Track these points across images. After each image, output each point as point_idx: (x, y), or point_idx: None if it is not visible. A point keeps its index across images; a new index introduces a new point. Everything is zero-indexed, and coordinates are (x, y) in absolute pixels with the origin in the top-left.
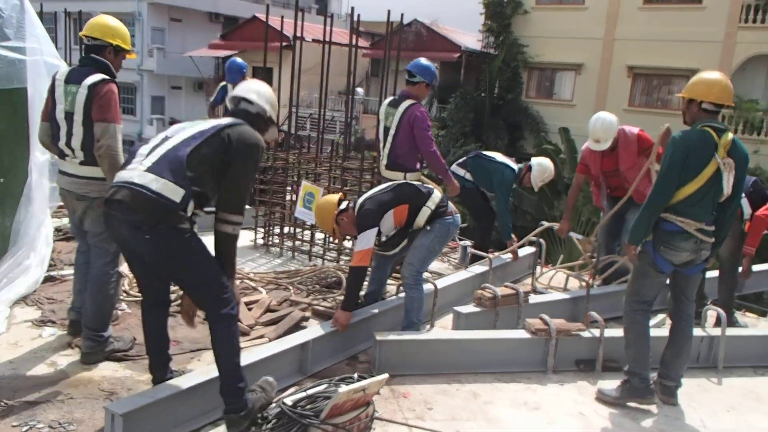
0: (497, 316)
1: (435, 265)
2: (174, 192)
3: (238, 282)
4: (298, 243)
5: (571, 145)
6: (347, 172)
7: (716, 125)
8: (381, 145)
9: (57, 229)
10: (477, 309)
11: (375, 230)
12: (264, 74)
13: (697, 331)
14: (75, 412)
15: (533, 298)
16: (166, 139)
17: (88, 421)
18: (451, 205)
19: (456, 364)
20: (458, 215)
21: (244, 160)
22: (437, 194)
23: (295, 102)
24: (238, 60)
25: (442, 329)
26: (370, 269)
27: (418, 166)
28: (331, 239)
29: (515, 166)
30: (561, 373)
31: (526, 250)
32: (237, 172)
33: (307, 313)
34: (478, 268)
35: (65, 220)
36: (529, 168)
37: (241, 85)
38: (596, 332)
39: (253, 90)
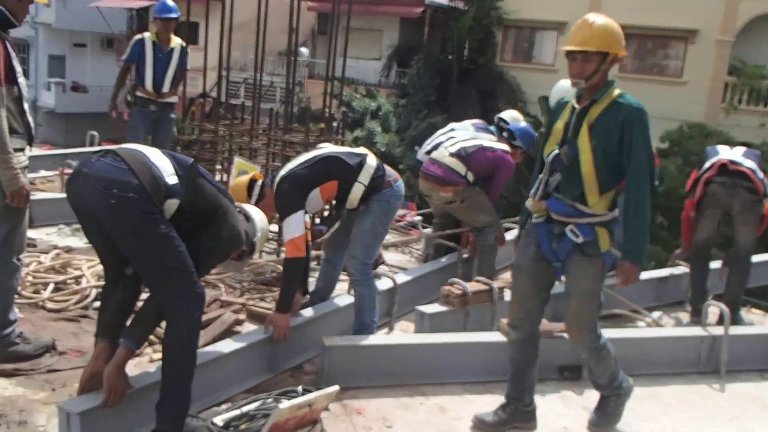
0: (467, 316)
1: (394, 258)
2: (170, 176)
3: None
4: None
5: None
6: (289, 147)
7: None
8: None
9: None
10: (444, 308)
11: (301, 213)
12: (188, 31)
13: (696, 331)
14: None
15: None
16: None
17: None
18: (390, 171)
19: (419, 374)
20: (400, 183)
21: (218, 242)
22: (371, 162)
23: (226, 64)
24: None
25: (403, 333)
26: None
27: (472, 179)
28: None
29: (500, 145)
30: (542, 382)
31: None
32: (206, 246)
33: (242, 316)
34: (445, 261)
35: None
36: (508, 133)
37: (252, 207)
38: None
39: (259, 215)
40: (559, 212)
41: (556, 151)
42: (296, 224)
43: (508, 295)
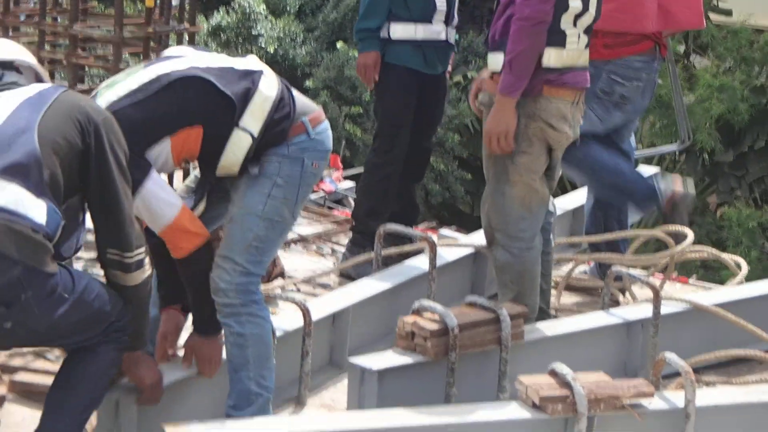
0: (452, 372)
1: (305, 265)
2: (34, 207)
3: None
4: None
5: None
6: (83, 49)
7: None
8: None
9: None
10: (405, 359)
11: (155, 174)
12: None
13: None
14: None
15: (536, 328)
16: None
17: None
18: (304, 104)
19: None
20: (324, 126)
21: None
22: (266, 89)
23: None
24: None
25: (326, 410)
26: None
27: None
28: None
29: None
30: None
31: None
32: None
33: (2, 390)
34: (408, 265)
35: None
36: None
37: None
38: (677, 399)
39: None
40: None
41: None
42: (162, 195)
43: (528, 331)
